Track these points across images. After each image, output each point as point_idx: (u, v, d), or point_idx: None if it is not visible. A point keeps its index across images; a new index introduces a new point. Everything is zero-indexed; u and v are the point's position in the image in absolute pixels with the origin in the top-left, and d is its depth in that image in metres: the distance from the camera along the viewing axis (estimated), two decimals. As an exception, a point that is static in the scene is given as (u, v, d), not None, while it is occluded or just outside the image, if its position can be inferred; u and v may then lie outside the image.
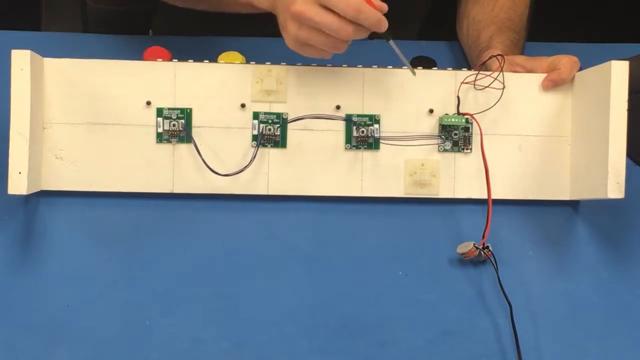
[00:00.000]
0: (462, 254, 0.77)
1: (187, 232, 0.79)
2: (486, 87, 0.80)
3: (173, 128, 0.79)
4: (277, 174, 0.80)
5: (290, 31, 0.72)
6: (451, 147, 0.81)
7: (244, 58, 0.81)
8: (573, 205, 0.83)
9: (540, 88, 0.82)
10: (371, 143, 0.80)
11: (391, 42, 0.74)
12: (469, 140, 0.81)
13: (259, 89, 0.79)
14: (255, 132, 0.80)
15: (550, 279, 0.79)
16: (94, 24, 1.13)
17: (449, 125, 0.81)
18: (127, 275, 0.77)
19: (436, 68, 0.85)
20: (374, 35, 0.73)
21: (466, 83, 0.81)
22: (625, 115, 0.75)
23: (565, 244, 0.82)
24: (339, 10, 0.69)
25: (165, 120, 0.79)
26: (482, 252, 0.77)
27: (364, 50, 0.92)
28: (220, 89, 0.79)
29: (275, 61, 0.80)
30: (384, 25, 0.71)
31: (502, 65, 0.80)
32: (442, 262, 0.79)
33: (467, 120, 0.81)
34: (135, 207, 0.79)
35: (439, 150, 0.81)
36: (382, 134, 0.80)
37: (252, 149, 0.79)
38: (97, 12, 1.12)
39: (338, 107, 0.80)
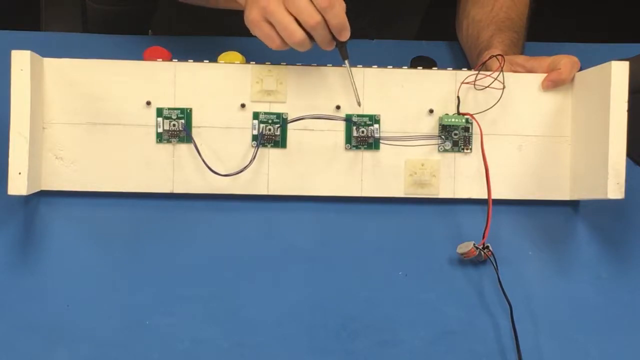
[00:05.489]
0: (462, 254, 0.77)
1: (187, 232, 0.79)
2: (486, 87, 0.80)
3: (173, 128, 0.79)
4: (277, 174, 0.80)
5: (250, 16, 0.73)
6: (451, 147, 0.81)
7: (244, 58, 0.81)
8: (573, 205, 0.83)
9: (540, 88, 0.82)
10: (371, 143, 0.80)
11: (347, 62, 0.76)
12: (469, 140, 0.81)
13: (259, 89, 0.79)
14: (255, 132, 0.79)
15: (550, 279, 0.79)
16: (94, 24, 1.13)
17: (449, 125, 0.81)
18: (127, 275, 0.77)
19: (436, 68, 0.85)
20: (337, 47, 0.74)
21: (466, 83, 0.81)
22: (625, 115, 0.75)
23: (565, 244, 0.81)
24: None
25: (165, 120, 0.79)
26: (482, 252, 0.77)
27: (364, 50, 0.92)
28: (220, 89, 0.79)
29: (275, 61, 0.80)
30: (345, 34, 0.72)
31: (502, 65, 0.80)
32: (442, 262, 0.79)
33: (467, 120, 0.81)
34: (135, 207, 0.79)
35: (439, 150, 0.81)
36: (382, 134, 0.80)
37: (252, 149, 0.79)
38: (97, 12, 1.12)
39: (338, 107, 0.80)
